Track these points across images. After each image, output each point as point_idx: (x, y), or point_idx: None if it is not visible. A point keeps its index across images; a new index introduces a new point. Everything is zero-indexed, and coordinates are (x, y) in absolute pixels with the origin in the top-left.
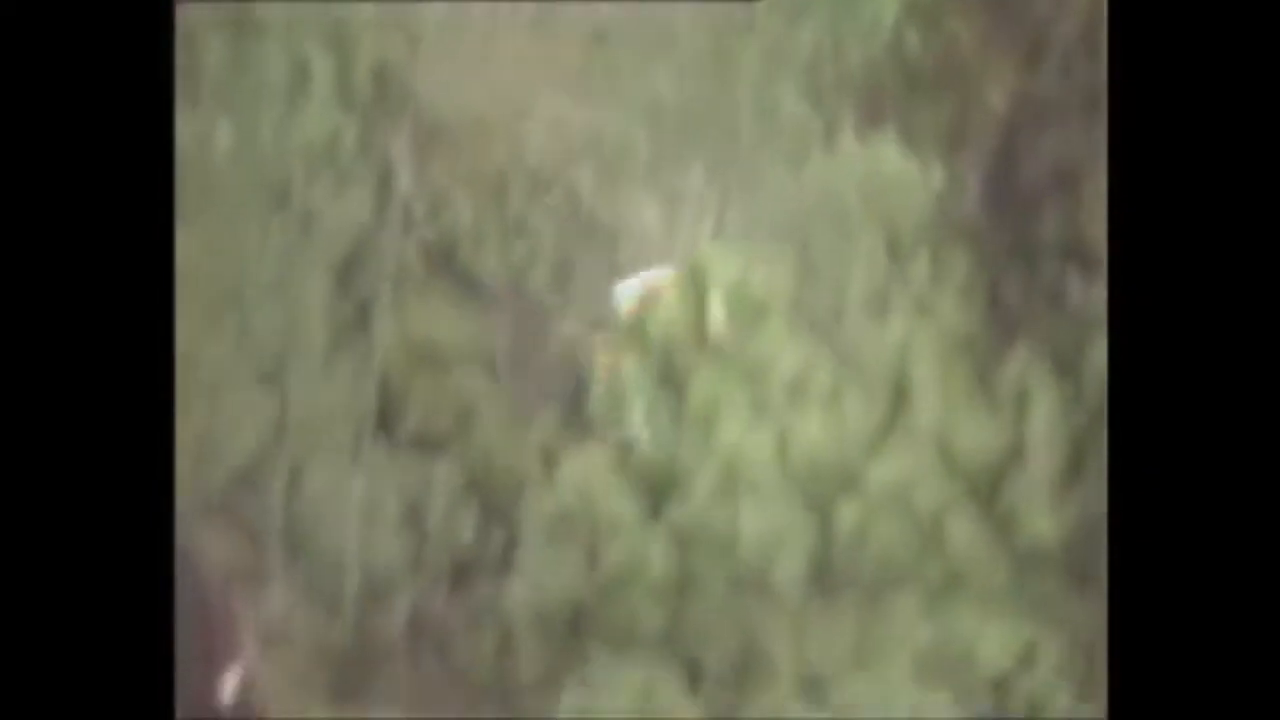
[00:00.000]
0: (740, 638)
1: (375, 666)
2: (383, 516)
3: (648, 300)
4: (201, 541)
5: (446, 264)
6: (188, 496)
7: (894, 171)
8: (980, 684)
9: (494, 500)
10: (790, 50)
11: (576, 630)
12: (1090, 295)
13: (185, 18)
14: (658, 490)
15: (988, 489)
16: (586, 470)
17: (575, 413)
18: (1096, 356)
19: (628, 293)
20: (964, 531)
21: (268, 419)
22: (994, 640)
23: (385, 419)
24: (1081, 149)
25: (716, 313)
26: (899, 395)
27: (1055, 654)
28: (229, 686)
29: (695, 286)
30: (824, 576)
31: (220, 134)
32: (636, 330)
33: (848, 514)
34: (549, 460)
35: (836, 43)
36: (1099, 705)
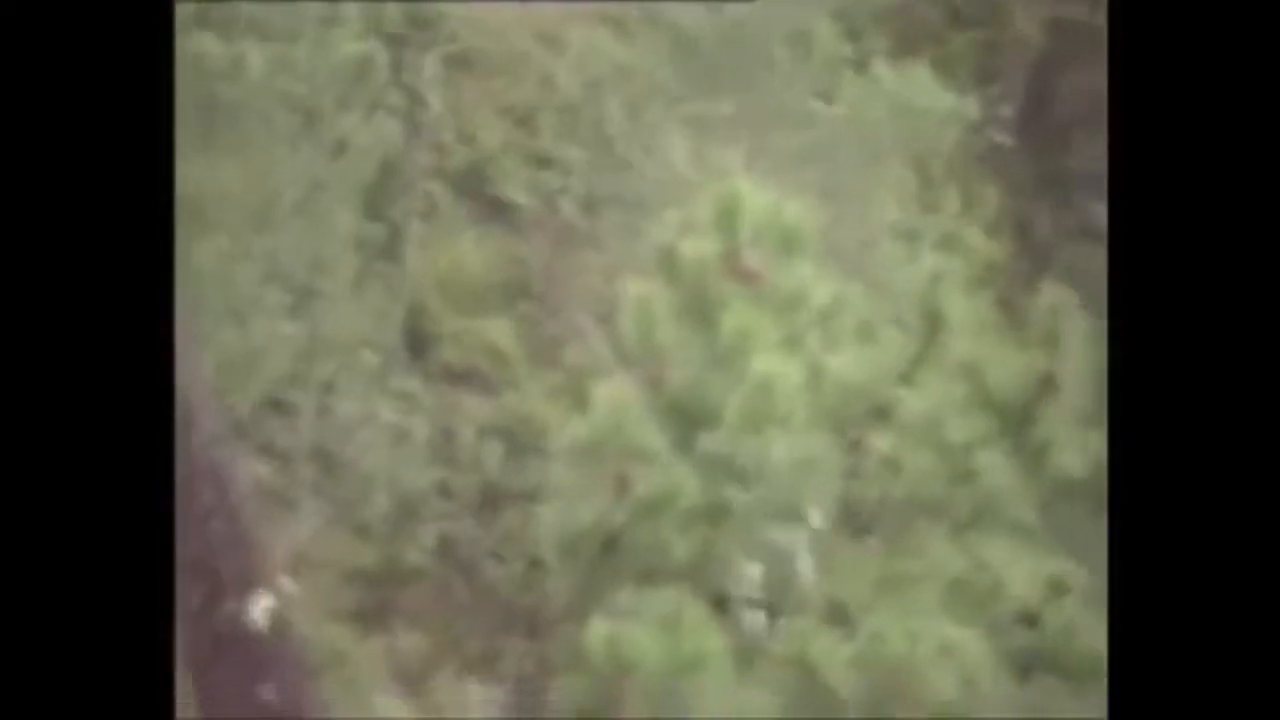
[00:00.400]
0: (769, 567)
1: (403, 590)
2: (412, 443)
3: None
4: (232, 466)
5: (476, 192)
6: (219, 421)
7: (926, 102)
8: (1009, 615)
9: (524, 429)
10: None
11: (605, 558)
12: None
13: None
14: (688, 420)
15: (1018, 421)
16: (616, 400)
17: (606, 342)
18: None
19: None
20: (994, 463)
21: (297, 344)
22: (1023, 572)
23: (415, 346)
24: None
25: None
26: (930, 327)
27: (1084, 586)
28: (260, 608)
29: (726, 218)
30: (853, 507)
31: (252, 60)
32: (668, 261)
33: (878, 445)
34: (579, 389)
35: None
36: None
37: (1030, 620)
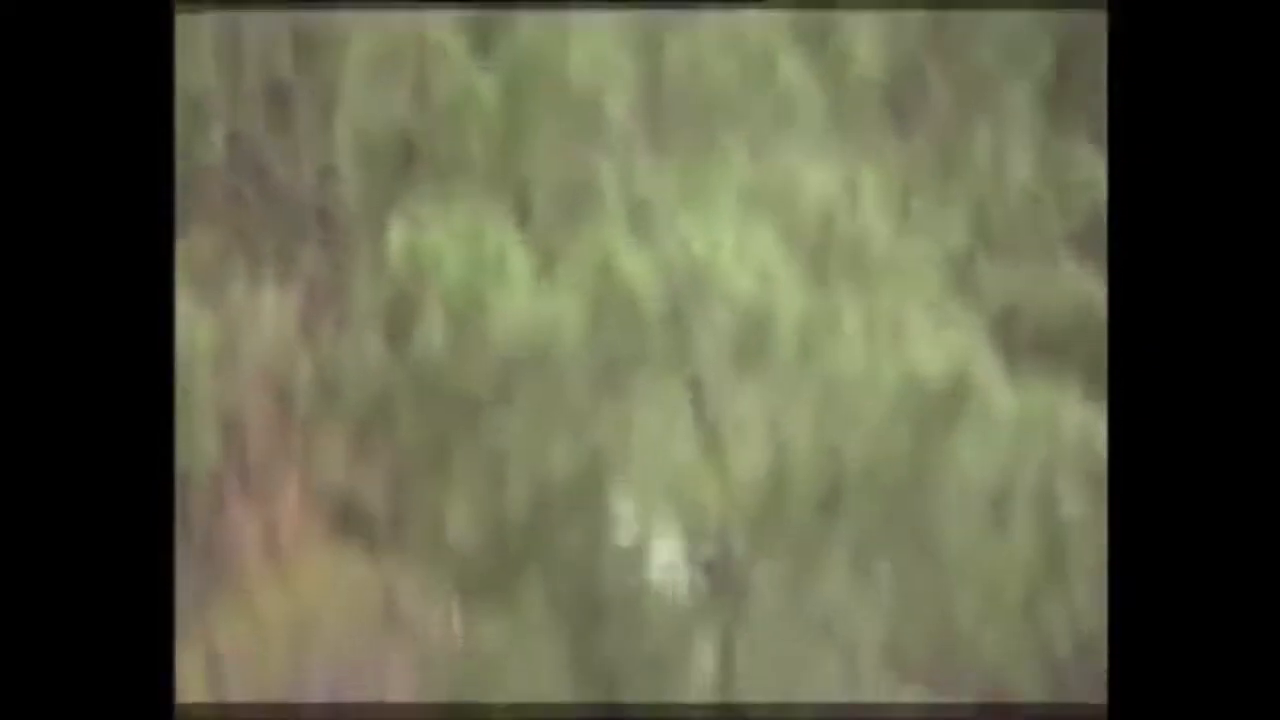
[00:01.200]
0: (570, 172)
1: (194, 190)
2: (197, 42)
3: None
4: None
5: None
6: None
7: None
8: (804, 218)
9: (316, 29)
10: None
11: (404, 163)
12: None
13: None
14: (486, 23)
15: (816, 26)
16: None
17: None
18: None
19: None
20: (792, 69)
21: None
22: (818, 176)
23: None
24: None
25: None
26: None
27: (876, 189)
28: None
29: None
30: (654, 113)
31: None
32: None
33: (679, 50)
34: None
35: None
36: (918, 237)
37: (824, 222)
